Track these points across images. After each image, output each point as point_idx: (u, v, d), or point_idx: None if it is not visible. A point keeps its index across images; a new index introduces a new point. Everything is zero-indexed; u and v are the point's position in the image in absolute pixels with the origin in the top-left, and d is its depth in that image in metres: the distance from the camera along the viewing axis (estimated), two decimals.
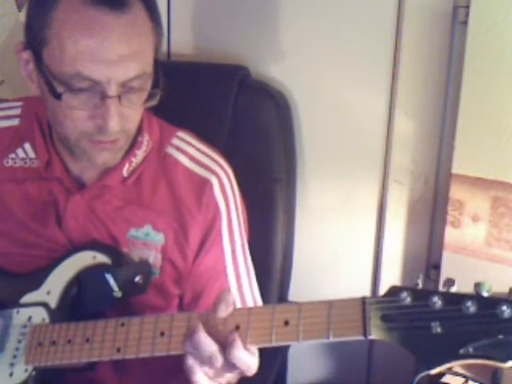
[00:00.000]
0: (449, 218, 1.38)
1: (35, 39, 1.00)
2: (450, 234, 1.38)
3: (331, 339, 0.84)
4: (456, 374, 1.12)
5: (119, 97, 0.99)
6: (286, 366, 1.58)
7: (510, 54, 1.26)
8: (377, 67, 1.47)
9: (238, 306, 1.18)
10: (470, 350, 0.76)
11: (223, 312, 0.89)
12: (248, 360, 0.87)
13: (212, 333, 0.88)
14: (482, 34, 1.27)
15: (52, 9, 0.97)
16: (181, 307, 1.19)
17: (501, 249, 1.33)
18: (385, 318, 0.81)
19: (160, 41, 1.05)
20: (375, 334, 0.81)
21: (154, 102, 1.07)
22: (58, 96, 0.99)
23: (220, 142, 1.40)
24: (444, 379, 1.15)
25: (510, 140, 1.29)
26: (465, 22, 1.31)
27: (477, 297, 0.78)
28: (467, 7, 1.30)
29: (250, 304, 1.21)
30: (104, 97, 0.98)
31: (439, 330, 0.78)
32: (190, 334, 0.88)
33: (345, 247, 1.61)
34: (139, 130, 1.14)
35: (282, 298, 1.54)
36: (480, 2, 1.27)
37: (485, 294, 0.78)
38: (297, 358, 1.62)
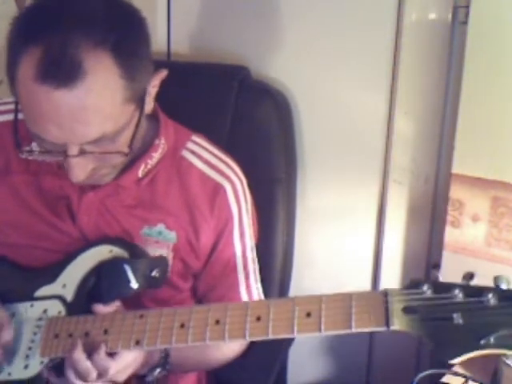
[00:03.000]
0: (449, 218, 1.38)
1: (11, 87, 1.00)
2: (450, 234, 1.38)
3: (353, 330, 0.85)
4: (456, 374, 1.12)
5: (83, 154, 0.99)
6: (286, 365, 1.58)
7: (510, 54, 1.26)
8: (377, 67, 1.47)
9: None
10: (491, 340, 0.77)
11: None
12: (105, 363, 0.98)
13: (105, 340, 0.99)
14: (482, 34, 1.27)
15: (15, 66, 0.96)
16: (195, 298, 1.23)
17: (501, 249, 1.33)
18: (407, 310, 0.83)
19: (139, 88, 1.01)
20: (397, 325, 0.83)
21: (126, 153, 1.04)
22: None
23: (220, 142, 1.40)
24: (444, 379, 1.15)
25: (510, 140, 1.29)
26: (465, 22, 1.31)
27: (497, 289, 0.79)
28: (467, 7, 1.30)
29: None
30: (66, 155, 0.98)
31: (461, 321, 0.79)
32: (69, 352, 0.99)
33: (345, 247, 1.61)
34: (157, 134, 1.16)
35: (282, 297, 1.54)
36: (480, 2, 1.27)
37: (504, 287, 0.79)
38: (297, 358, 1.62)
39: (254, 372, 1.25)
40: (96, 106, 0.94)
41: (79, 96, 0.93)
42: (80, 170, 1.00)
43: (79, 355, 0.98)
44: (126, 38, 0.97)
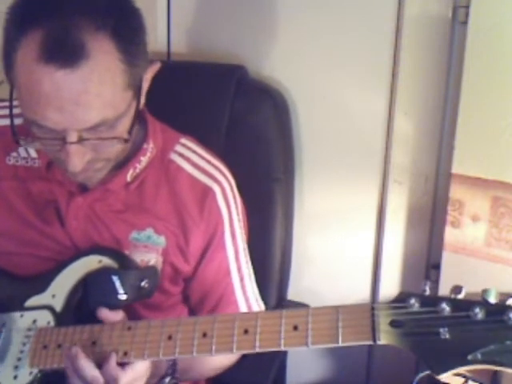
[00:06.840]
0: (449, 218, 1.37)
1: (7, 75, 0.99)
2: (450, 234, 1.38)
3: (340, 344, 0.84)
4: (456, 374, 1.12)
5: (82, 140, 0.98)
6: (286, 366, 1.58)
7: (510, 54, 1.26)
8: (377, 67, 1.47)
9: (243, 306, 1.21)
10: (479, 355, 0.77)
11: None
12: (114, 372, 0.95)
13: (93, 352, 0.97)
14: (481, 34, 1.27)
15: (13, 51, 0.95)
16: (188, 306, 1.22)
17: (501, 249, 1.33)
18: (393, 324, 0.82)
19: (137, 75, 1.01)
20: (384, 339, 0.82)
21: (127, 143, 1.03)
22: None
23: (218, 142, 1.41)
24: (444, 379, 1.15)
25: (510, 140, 1.28)
26: (465, 22, 1.31)
27: (484, 303, 0.78)
28: (467, 7, 1.30)
29: (254, 304, 1.23)
30: (64, 142, 0.97)
31: (448, 335, 0.79)
32: (70, 362, 0.96)
33: (344, 247, 1.60)
34: (145, 137, 1.15)
35: (281, 297, 1.54)
36: (480, 2, 1.27)
37: (492, 301, 0.78)
38: (296, 358, 1.62)
39: (252, 372, 1.24)
40: (98, 88, 0.94)
41: (82, 78, 0.93)
42: (78, 158, 0.99)
43: (85, 363, 0.95)
44: (125, 24, 0.97)
